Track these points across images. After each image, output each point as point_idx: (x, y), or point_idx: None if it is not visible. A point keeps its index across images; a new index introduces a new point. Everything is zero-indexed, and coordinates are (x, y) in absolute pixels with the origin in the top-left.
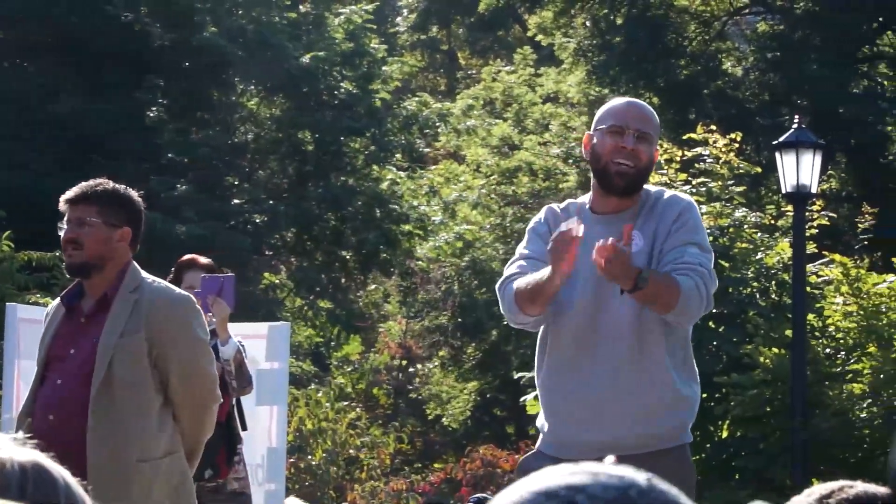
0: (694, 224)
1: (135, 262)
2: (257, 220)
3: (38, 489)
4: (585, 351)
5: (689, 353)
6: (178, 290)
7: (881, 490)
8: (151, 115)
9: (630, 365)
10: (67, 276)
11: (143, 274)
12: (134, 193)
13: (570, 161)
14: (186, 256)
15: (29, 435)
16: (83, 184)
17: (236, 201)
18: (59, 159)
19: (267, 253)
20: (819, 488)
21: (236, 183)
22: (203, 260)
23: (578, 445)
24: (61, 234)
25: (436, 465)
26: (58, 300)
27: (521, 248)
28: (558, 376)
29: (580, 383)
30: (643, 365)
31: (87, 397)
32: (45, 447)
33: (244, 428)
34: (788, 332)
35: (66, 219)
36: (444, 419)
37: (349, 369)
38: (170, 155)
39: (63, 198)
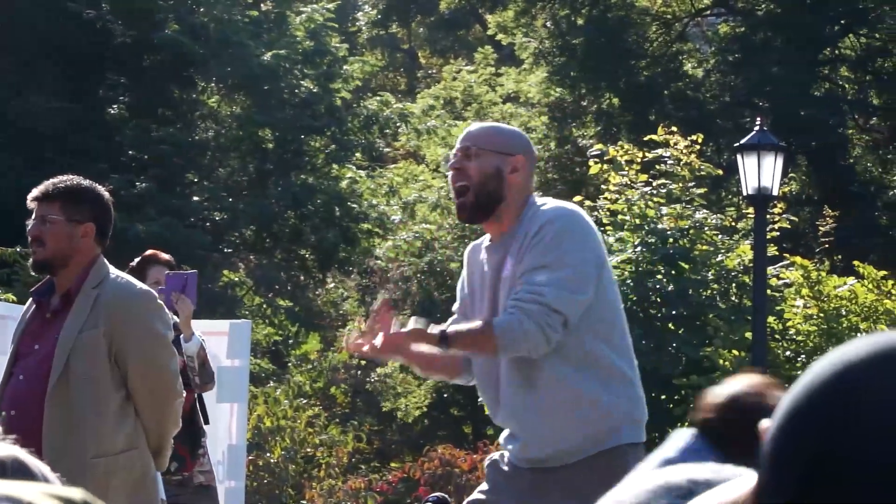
0: (551, 240)
1: (103, 258)
2: (217, 218)
3: None
4: (491, 381)
5: (604, 358)
6: (140, 284)
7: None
8: (112, 112)
9: (526, 390)
10: (32, 272)
11: (111, 269)
12: (100, 189)
13: None
14: (149, 251)
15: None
16: (49, 181)
17: (196, 199)
18: (19, 157)
19: (226, 250)
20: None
21: (196, 180)
22: (164, 255)
23: (520, 458)
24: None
25: (393, 465)
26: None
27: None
28: (486, 404)
29: (499, 410)
30: (538, 387)
31: (45, 393)
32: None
33: (206, 422)
34: (748, 335)
35: (32, 216)
36: (398, 413)
37: (307, 367)
38: (130, 152)
39: (30, 195)
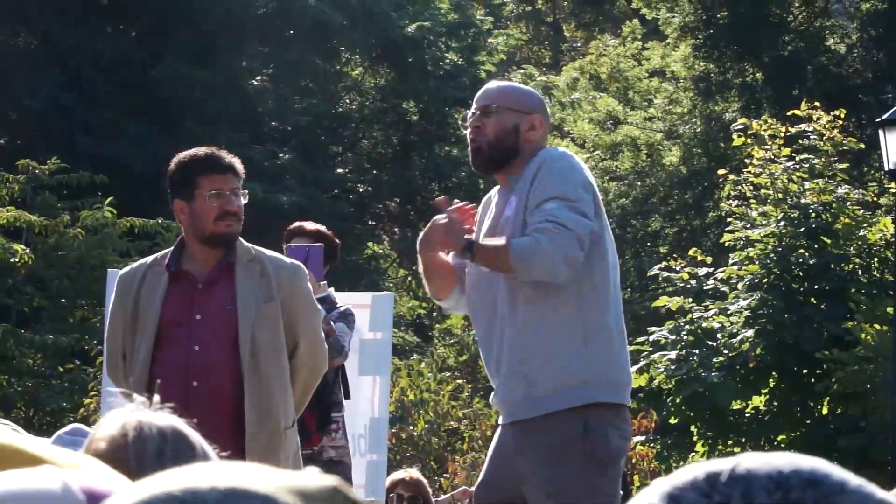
0: (553, 176)
1: None
2: (360, 190)
3: (176, 454)
4: (483, 322)
5: (591, 311)
6: (288, 259)
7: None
8: (255, 83)
9: (510, 330)
10: (218, 246)
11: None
12: None
13: (675, 138)
14: (295, 223)
15: (165, 400)
16: (221, 153)
17: (339, 170)
18: (156, 126)
19: (370, 222)
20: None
21: (339, 152)
22: (310, 226)
23: (499, 408)
24: (216, 202)
25: None
26: (145, 264)
27: None
28: (480, 347)
29: (487, 351)
30: (521, 329)
31: (232, 364)
32: (188, 413)
33: (347, 397)
34: (890, 310)
35: (216, 188)
36: None
37: (451, 341)
38: (273, 123)
39: (215, 164)
